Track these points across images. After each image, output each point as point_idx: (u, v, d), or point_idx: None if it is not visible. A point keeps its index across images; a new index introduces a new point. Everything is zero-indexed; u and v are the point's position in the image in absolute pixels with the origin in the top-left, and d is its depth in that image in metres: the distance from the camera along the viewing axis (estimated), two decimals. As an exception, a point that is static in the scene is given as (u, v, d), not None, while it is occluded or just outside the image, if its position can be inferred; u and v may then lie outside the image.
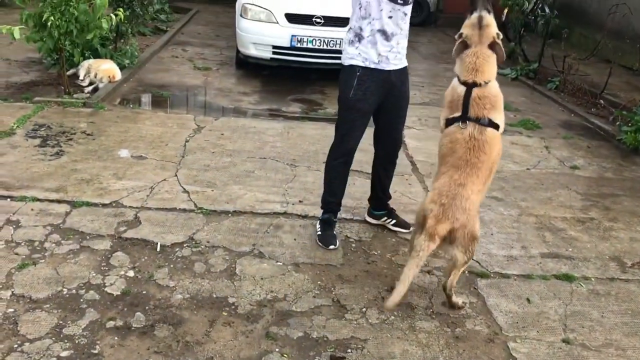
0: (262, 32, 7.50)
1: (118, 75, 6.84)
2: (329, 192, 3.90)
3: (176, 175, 4.63)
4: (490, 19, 3.05)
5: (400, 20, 3.50)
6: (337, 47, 7.40)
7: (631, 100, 7.34)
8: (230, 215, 4.09)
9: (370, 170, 4.14)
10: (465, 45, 3.08)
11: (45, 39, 5.85)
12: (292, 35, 7.37)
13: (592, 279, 3.70)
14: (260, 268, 3.50)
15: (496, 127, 3.05)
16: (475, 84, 3.02)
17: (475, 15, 3.06)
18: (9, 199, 4.00)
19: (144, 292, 3.19)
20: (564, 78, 8.36)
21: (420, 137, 6.08)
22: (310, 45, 7.41)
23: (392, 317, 3.16)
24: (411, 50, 10.91)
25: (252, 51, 7.61)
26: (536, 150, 5.97)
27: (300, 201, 4.38)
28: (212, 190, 4.43)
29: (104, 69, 6.69)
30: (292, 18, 7.44)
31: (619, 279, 3.73)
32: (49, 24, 5.64)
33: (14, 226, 3.68)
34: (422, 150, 5.66)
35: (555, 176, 5.33)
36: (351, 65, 3.55)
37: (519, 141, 6.20)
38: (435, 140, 5.88)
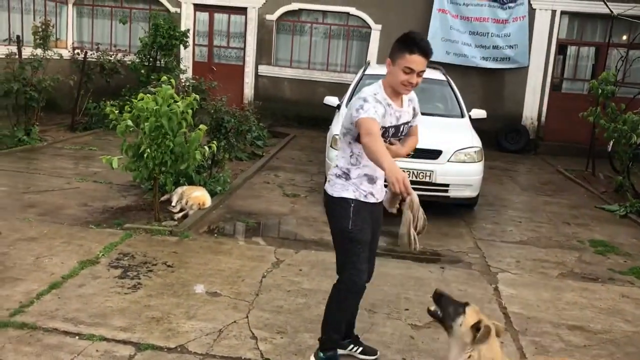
0: (350, 163, 7.45)
1: (208, 202, 6.99)
2: (334, 328, 3.78)
3: (247, 316, 4.44)
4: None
5: None
6: (427, 179, 7.26)
7: None
8: (296, 370, 3.79)
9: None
10: None
11: (140, 168, 6.11)
12: (381, 167, 7.26)
13: None
14: None
15: None
16: None
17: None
18: (77, 337, 3.95)
19: None
20: (681, 218, 7.58)
21: (516, 283, 5.57)
22: (399, 177, 7.24)
23: None
24: (509, 180, 10.54)
25: (340, 181, 7.55)
26: (651, 306, 5.25)
27: None
28: (282, 338, 4.17)
29: (194, 197, 6.87)
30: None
31: None
32: (145, 155, 5.93)
33: (76, 369, 3.59)
34: (517, 300, 5.14)
35: (676, 341, 4.59)
36: (343, 198, 3.58)
37: (631, 294, 5.51)
38: (535, 287, 5.42)
